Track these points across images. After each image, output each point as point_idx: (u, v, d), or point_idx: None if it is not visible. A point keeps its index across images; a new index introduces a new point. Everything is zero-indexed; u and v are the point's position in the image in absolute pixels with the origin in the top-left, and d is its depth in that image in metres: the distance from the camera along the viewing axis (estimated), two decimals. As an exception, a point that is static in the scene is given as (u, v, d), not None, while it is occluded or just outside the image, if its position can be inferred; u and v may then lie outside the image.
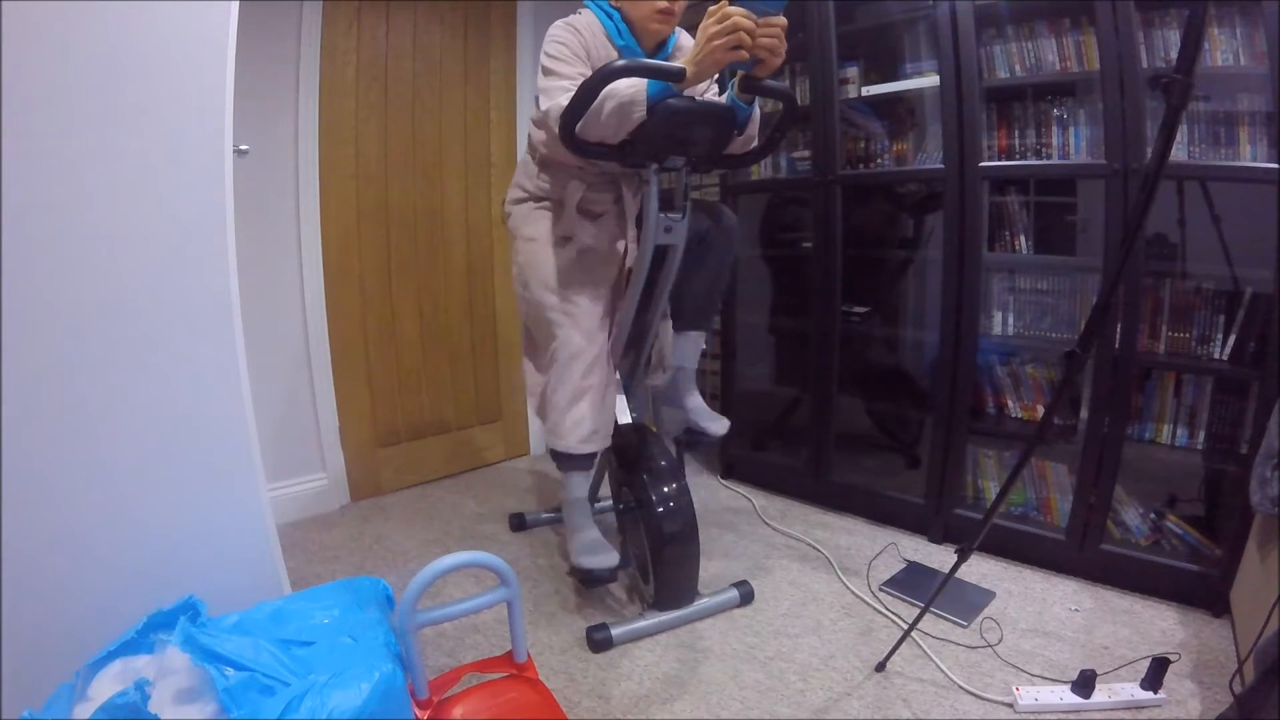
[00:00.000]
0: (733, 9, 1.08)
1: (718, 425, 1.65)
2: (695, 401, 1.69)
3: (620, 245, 1.50)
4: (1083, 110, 1.65)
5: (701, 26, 1.11)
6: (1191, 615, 1.50)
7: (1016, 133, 1.74)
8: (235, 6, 1.06)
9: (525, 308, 1.55)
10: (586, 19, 1.40)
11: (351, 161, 2.10)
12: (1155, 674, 1.21)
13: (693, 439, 1.69)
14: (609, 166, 1.46)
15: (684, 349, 1.67)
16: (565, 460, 1.51)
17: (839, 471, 2.10)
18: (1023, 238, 1.80)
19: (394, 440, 2.31)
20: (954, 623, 1.49)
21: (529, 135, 1.55)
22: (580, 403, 1.44)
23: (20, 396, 0.92)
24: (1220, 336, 1.52)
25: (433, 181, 2.31)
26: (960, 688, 1.28)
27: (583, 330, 1.43)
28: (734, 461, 2.40)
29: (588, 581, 1.51)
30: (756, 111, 1.36)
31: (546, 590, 1.66)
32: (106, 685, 0.84)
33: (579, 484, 1.57)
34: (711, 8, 1.10)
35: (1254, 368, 1.46)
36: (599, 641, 1.41)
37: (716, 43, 1.09)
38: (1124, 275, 1.22)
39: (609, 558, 1.43)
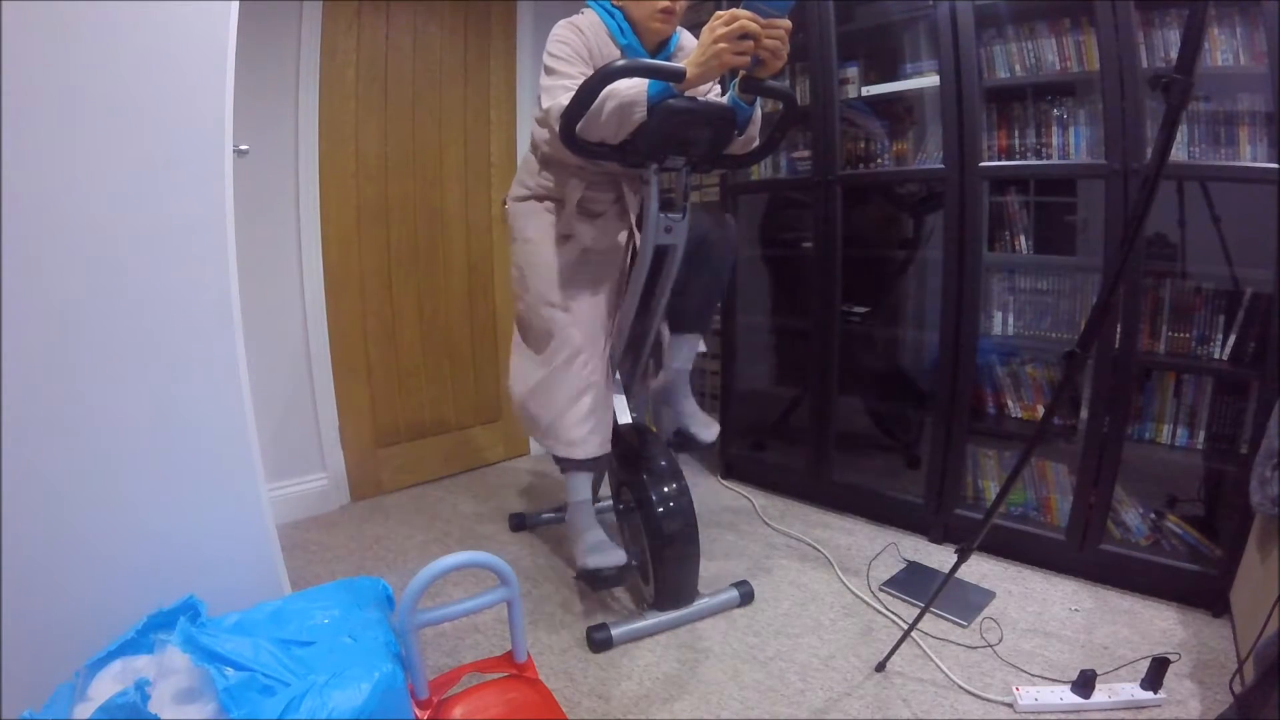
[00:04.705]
0: (740, 11, 1.08)
1: (708, 431, 1.65)
2: (689, 405, 1.69)
3: (621, 241, 1.50)
4: (1083, 110, 1.65)
5: (708, 28, 1.11)
6: (1191, 615, 1.50)
7: (1016, 133, 1.74)
8: (235, 6, 1.06)
9: (523, 308, 1.54)
10: (589, 19, 1.41)
11: (351, 161, 2.10)
12: (1155, 674, 1.21)
13: (681, 441, 1.68)
14: (610, 166, 1.46)
15: (680, 350, 1.67)
16: (566, 461, 1.51)
17: (839, 471, 2.10)
18: (1023, 238, 1.80)
19: (394, 440, 2.31)
20: (954, 623, 1.49)
21: (532, 133, 1.55)
22: (580, 404, 1.43)
23: (21, 396, 0.92)
24: (1220, 336, 1.52)
25: (433, 181, 2.31)
26: (960, 688, 1.27)
27: (582, 328, 1.43)
28: (734, 461, 2.40)
29: (595, 583, 1.52)
30: (758, 112, 1.36)
31: (546, 590, 1.66)
32: (106, 685, 0.84)
33: (581, 486, 1.57)
34: (719, 11, 1.10)
35: (1254, 368, 1.46)
36: (599, 641, 1.41)
37: (723, 45, 1.09)
38: (1124, 275, 1.22)
39: (615, 556, 1.44)
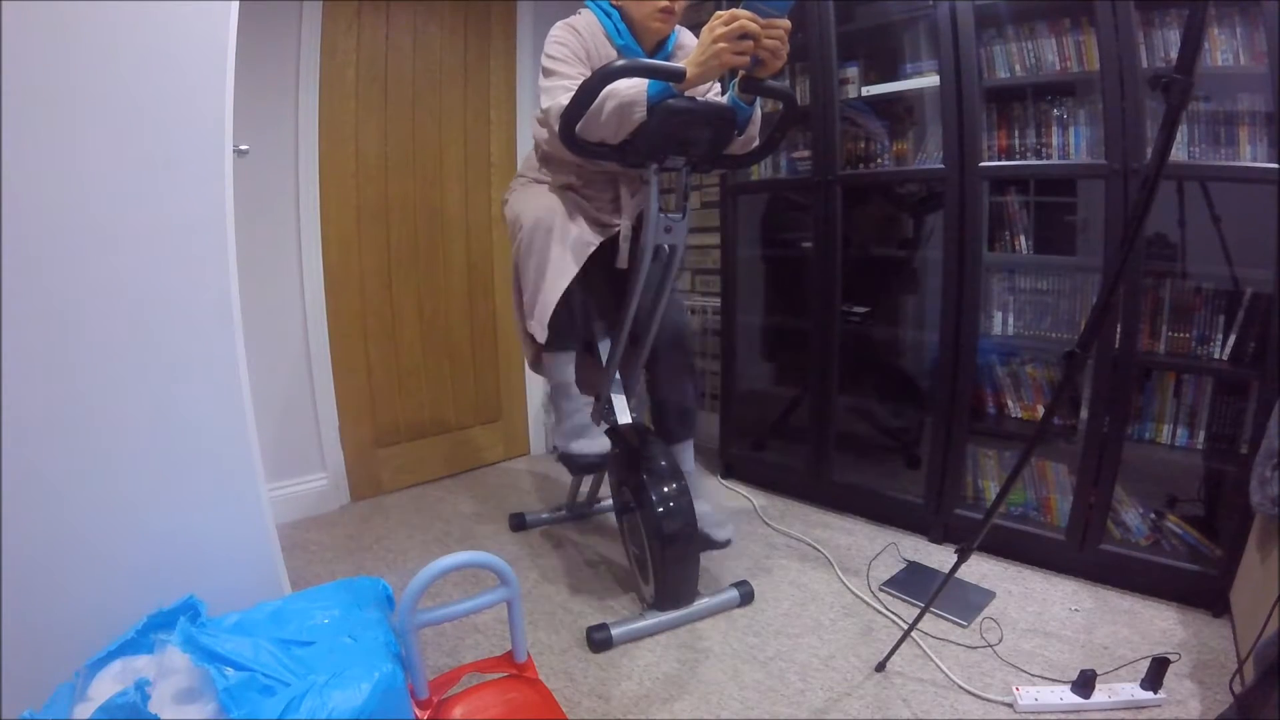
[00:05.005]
0: (740, 11, 1.08)
1: (722, 531, 1.57)
2: (702, 507, 1.57)
3: (615, 225, 1.50)
4: (1083, 110, 1.65)
5: (707, 28, 1.11)
6: (1191, 615, 1.50)
7: (1016, 133, 1.74)
8: (235, 6, 1.06)
9: (513, 240, 1.51)
10: (586, 19, 1.41)
11: (351, 161, 2.10)
12: (1155, 674, 1.21)
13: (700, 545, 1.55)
14: (609, 166, 1.46)
15: (679, 455, 1.64)
16: (540, 345, 1.51)
17: (839, 471, 2.10)
18: (1023, 238, 1.80)
19: (394, 440, 2.31)
20: (954, 623, 1.49)
21: (534, 132, 1.56)
22: (543, 280, 1.39)
23: (21, 396, 0.92)
24: (1220, 336, 1.52)
25: (433, 181, 2.31)
26: (960, 688, 1.27)
27: (542, 219, 1.39)
28: (734, 461, 2.40)
29: (575, 468, 1.46)
30: (758, 112, 1.36)
31: (546, 590, 1.66)
32: (106, 685, 0.84)
33: (561, 367, 1.55)
34: (719, 11, 1.10)
35: (1254, 368, 1.46)
36: (599, 641, 1.41)
37: (722, 45, 1.09)
38: (1124, 275, 1.22)
39: (599, 443, 1.42)
